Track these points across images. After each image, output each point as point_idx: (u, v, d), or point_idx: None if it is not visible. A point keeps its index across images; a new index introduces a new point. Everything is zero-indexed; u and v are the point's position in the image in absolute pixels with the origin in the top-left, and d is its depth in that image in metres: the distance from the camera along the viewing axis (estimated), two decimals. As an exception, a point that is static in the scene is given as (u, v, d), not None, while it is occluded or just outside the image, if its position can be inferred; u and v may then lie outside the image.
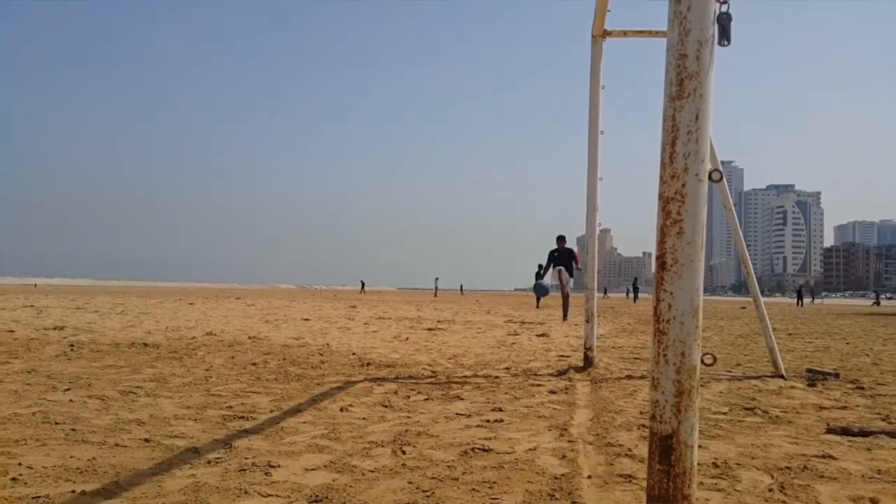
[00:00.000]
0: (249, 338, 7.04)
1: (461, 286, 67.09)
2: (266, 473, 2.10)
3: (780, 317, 17.27)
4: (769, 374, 4.78)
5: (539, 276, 12.42)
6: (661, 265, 1.40)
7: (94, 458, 2.22)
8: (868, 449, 2.57)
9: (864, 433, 2.79)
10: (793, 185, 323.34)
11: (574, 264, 11.70)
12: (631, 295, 43.09)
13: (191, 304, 16.82)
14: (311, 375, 4.37)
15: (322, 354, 5.61)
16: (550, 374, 4.66)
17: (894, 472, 2.25)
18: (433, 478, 2.08)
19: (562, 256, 11.77)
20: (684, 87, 1.40)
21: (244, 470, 2.12)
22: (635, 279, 39.47)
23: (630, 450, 2.47)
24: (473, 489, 1.97)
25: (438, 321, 11.37)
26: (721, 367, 5.19)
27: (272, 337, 7.23)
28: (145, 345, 6.01)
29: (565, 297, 11.94)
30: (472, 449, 2.43)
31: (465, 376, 4.49)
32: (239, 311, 13.20)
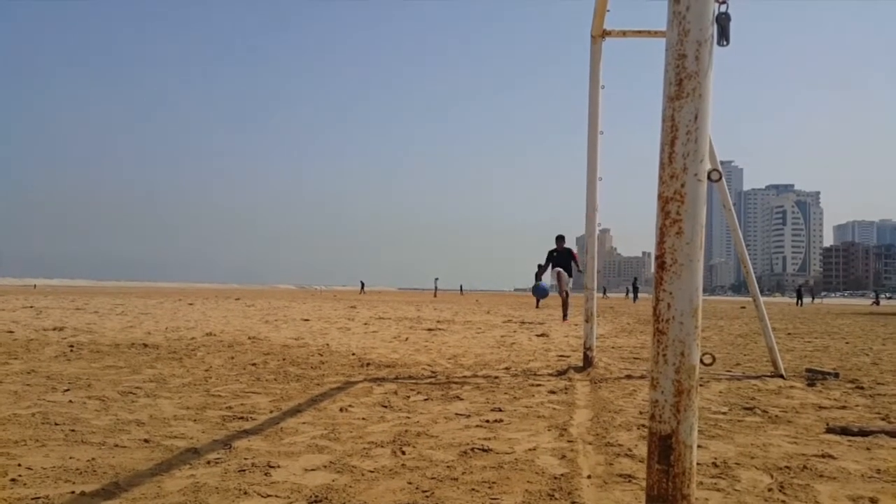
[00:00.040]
0: (249, 338, 7.04)
1: (461, 286, 67.12)
2: (266, 474, 2.10)
3: (779, 316, 17.28)
4: (769, 373, 4.78)
5: (538, 276, 12.37)
6: (661, 265, 1.41)
7: (93, 459, 2.22)
8: (867, 448, 2.57)
9: (863, 433, 2.80)
10: (792, 185, 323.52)
11: (574, 265, 11.67)
12: (630, 295, 43.09)
13: (190, 304, 16.82)
14: (310, 376, 4.37)
15: (322, 355, 5.61)
16: (550, 374, 4.66)
17: (894, 471, 2.25)
18: (433, 478, 2.08)
19: (561, 256, 11.74)
20: (683, 87, 1.40)
21: (244, 470, 2.12)
22: (635, 279, 39.46)
23: (630, 450, 2.47)
24: (473, 489, 1.97)
25: (438, 321, 11.37)
26: (720, 366, 5.20)
27: (272, 337, 7.23)
28: (145, 345, 6.00)
29: (565, 297, 11.92)
30: (472, 449, 2.43)
31: (464, 376, 4.49)
32: (238, 312, 13.20)
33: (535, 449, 2.47)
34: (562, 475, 2.12)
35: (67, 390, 3.57)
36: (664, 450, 1.36)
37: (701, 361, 1.44)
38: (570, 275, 11.76)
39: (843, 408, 3.49)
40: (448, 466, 2.21)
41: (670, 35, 1.42)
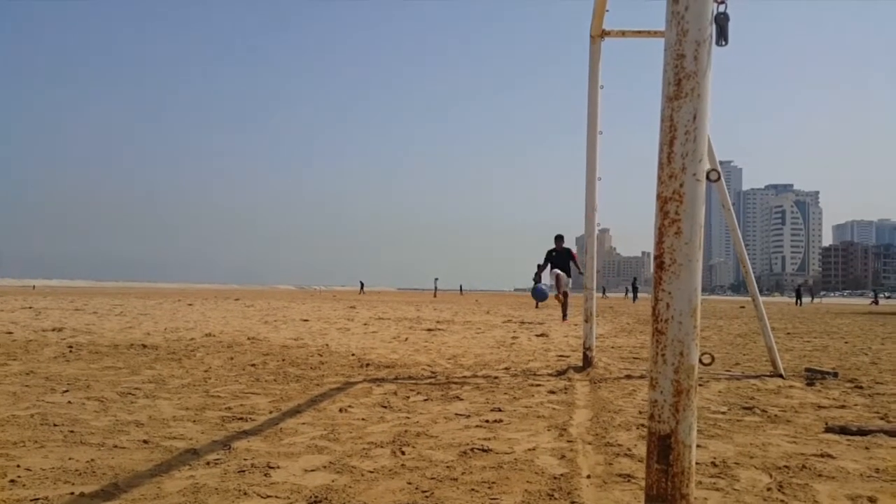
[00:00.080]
0: (248, 339, 7.03)
1: (461, 286, 67.10)
2: (265, 474, 2.10)
3: (778, 316, 17.29)
4: (768, 373, 4.78)
5: (537, 276, 12.35)
6: (660, 265, 1.41)
7: (92, 460, 2.22)
8: (866, 448, 2.57)
9: (862, 432, 2.80)
10: (791, 185, 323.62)
11: (574, 266, 11.64)
12: (630, 295, 43.07)
13: (190, 305, 16.82)
14: (310, 376, 4.37)
15: (321, 355, 5.61)
16: (550, 374, 4.66)
17: (892, 470, 2.25)
18: (432, 478, 2.08)
19: (560, 256, 11.72)
20: (682, 87, 1.40)
21: (243, 471, 2.12)
22: (634, 279, 39.45)
23: (629, 449, 2.47)
24: (473, 489, 1.97)
25: (438, 321, 11.37)
26: (720, 366, 5.20)
27: (271, 338, 7.22)
28: (144, 346, 6.00)
29: (564, 297, 11.91)
30: (472, 449, 2.43)
31: (464, 377, 4.49)
32: (238, 312, 13.19)
33: (534, 449, 2.47)
34: (561, 475, 2.13)
35: (66, 391, 3.56)
36: (663, 449, 1.36)
37: (700, 361, 1.44)
38: (568, 275, 11.73)
39: (842, 407, 3.49)
40: (448, 466, 2.21)
41: (669, 35, 1.42)
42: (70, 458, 2.23)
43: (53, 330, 7.60)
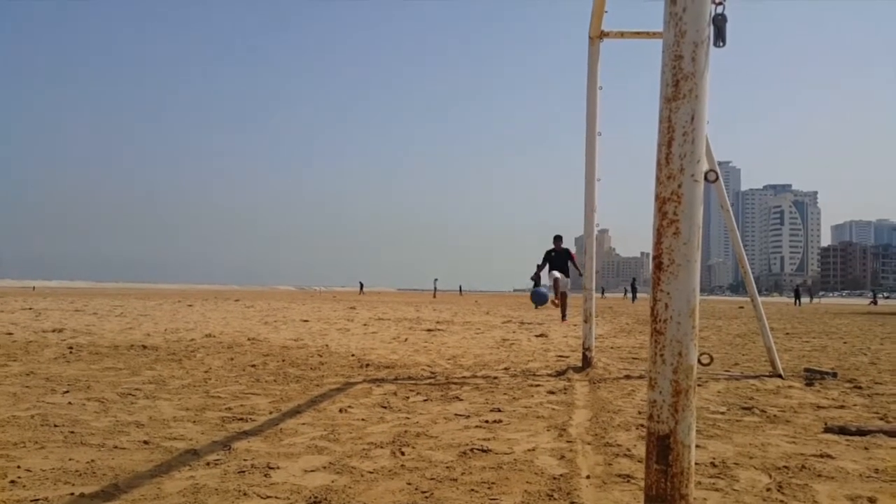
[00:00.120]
0: (248, 339, 7.03)
1: (460, 287, 67.06)
2: (265, 475, 2.10)
3: (777, 316, 17.30)
4: (767, 373, 4.79)
5: (535, 276, 12.33)
6: (658, 265, 1.41)
7: (93, 461, 2.22)
8: (866, 448, 2.58)
9: (861, 432, 2.80)
10: (790, 185, 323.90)
11: (573, 266, 11.64)
12: (629, 295, 43.07)
13: (190, 305, 16.81)
14: (310, 377, 4.37)
15: (321, 356, 5.61)
16: (549, 375, 4.66)
17: (892, 470, 2.25)
18: (432, 478, 2.08)
19: (558, 256, 11.72)
20: (680, 88, 1.40)
21: (243, 472, 2.13)
22: (633, 279, 39.44)
23: (628, 450, 2.47)
24: (472, 490, 1.97)
25: (437, 322, 11.38)
26: (719, 366, 5.20)
27: (271, 338, 7.23)
28: (144, 347, 6.00)
29: (563, 298, 11.91)
30: (471, 449, 2.44)
31: (463, 377, 4.50)
32: (238, 313, 13.19)
33: (534, 449, 2.47)
34: (561, 475, 2.13)
35: (67, 392, 3.57)
36: (662, 450, 1.37)
37: (699, 361, 1.44)
38: (567, 275, 11.74)
39: (842, 407, 3.49)
40: (447, 467, 2.21)
41: (667, 36, 1.43)
42: (70, 459, 2.24)
43: (54, 331, 7.60)
